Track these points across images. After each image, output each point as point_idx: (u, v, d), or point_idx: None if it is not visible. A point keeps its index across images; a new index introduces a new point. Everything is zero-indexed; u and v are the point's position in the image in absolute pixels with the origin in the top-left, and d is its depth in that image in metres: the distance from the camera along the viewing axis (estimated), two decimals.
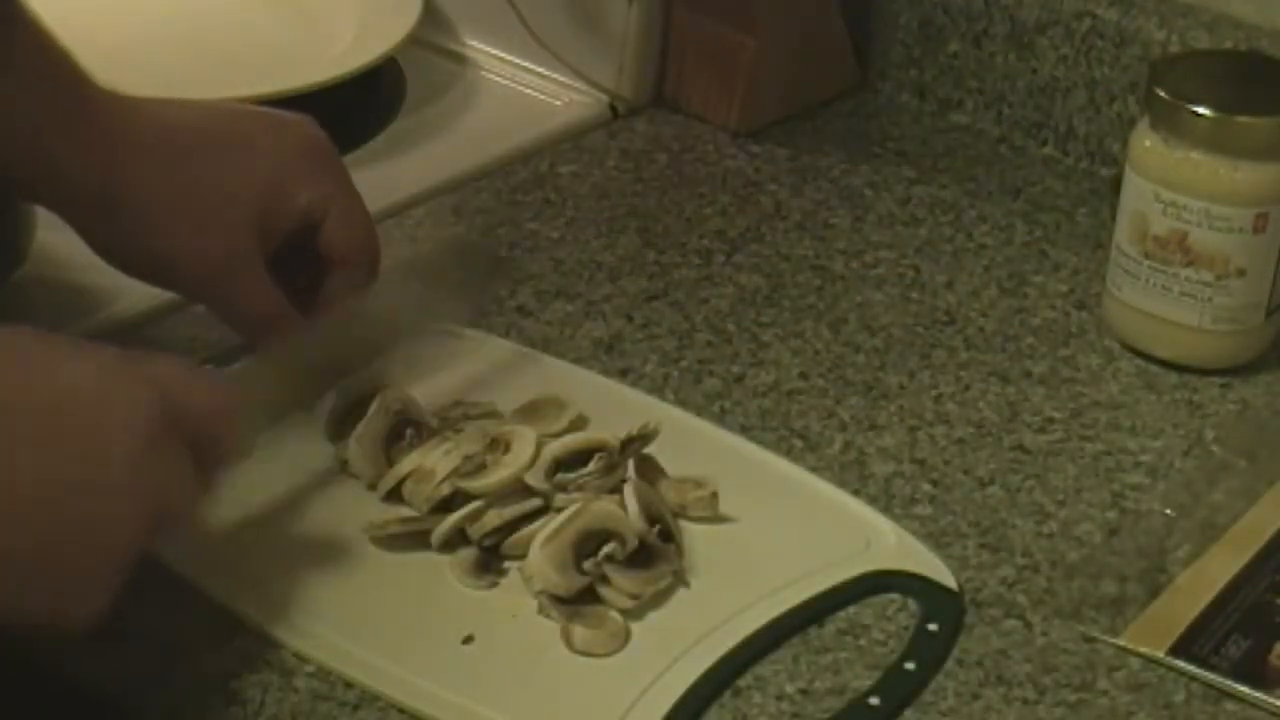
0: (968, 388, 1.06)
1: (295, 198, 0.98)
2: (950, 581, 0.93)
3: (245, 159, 0.97)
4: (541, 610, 0.89)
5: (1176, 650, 0.90)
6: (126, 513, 0.79)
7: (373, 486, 0.95)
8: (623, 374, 1.05)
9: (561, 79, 1.31)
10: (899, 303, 1.13)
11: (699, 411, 1.03)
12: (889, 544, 0.95)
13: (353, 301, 0.99)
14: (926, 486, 0.99)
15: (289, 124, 1.00)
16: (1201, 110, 1.04)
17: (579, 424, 0.98)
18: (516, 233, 1.16)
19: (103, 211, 0.96)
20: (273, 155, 0.98)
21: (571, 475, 0.93)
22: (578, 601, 0.89)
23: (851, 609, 0.91)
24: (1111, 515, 0.98)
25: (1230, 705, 0.88)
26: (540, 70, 1.31)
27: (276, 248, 0.98)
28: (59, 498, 0.77)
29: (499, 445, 0.93)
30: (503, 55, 1.33)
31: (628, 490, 0.92)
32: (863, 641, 0.90)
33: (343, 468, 0.96)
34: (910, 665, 0.88)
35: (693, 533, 0.93)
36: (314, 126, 1.00)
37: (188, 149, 0.97)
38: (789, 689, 0.87)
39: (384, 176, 1.21)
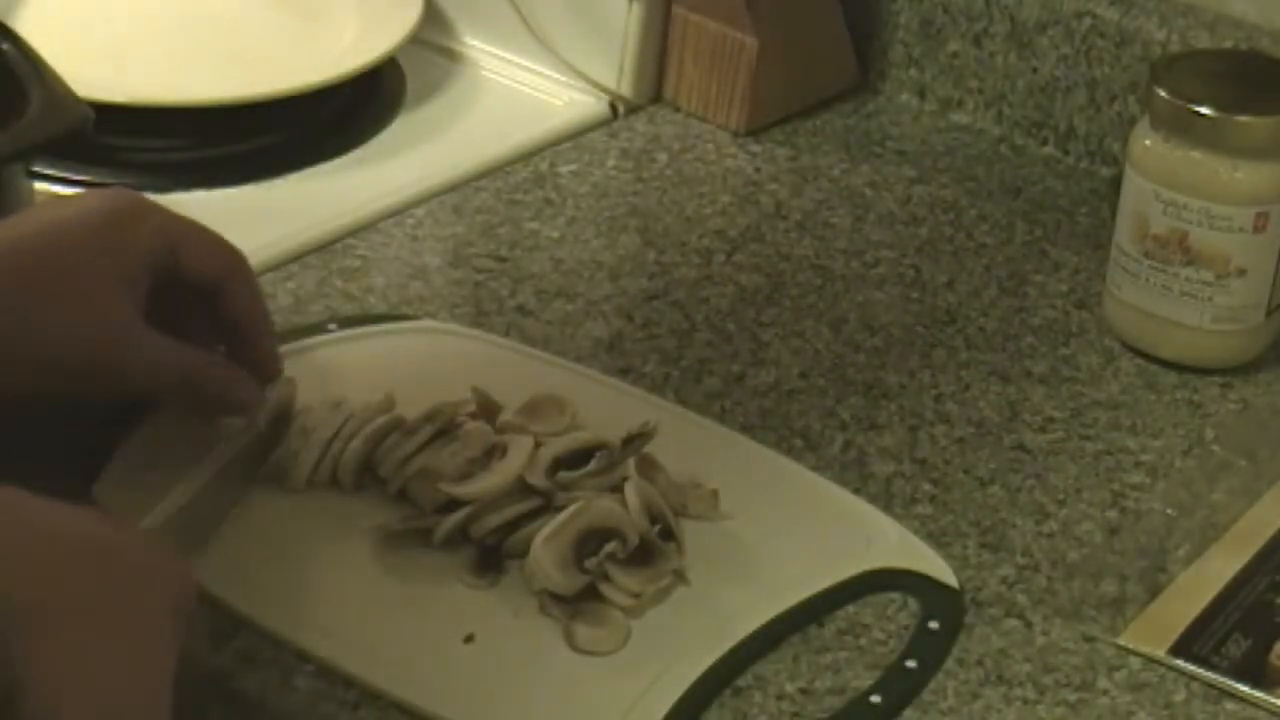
0: (968, 387, 1.06)
1: (139, 236, 0.91)
2: (951, 580, 0.93)
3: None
4: (543, 609, 0.89)
5: (1177, 650, 0.90)
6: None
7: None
8: (623, 374, 1.05)
9: (561, 79, 1.31)
10: (899, 302, 1.13)
11: (699, 411, 1.02)
12: (889, 543, 0.95)
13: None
14: (927, 486, 0.99)
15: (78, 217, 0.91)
16: (1201, 110, 1.04)
17: (579, 424, 0.98)
18: (516, 233, 1.16)
19: None
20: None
21: (572, 474, 0.93)
22: (579, 600, 0.89)
23: (852, 608, 0.91)
24: (1112, 515, 0.98)
25: (1230, 705, 0.88)
26: (540, 70, 1.31)
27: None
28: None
29: (496, 451, 0.93)
30: (503, 55, 1.33)
31: (629, 488, 0.91)
32: (863, 640, 0.90)
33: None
34: (911, 664, 0.88)
35: (693, 531, 0.93)
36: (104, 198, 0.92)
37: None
38: (789, 688, 0.87)
39: (384, 176, 1.21)
